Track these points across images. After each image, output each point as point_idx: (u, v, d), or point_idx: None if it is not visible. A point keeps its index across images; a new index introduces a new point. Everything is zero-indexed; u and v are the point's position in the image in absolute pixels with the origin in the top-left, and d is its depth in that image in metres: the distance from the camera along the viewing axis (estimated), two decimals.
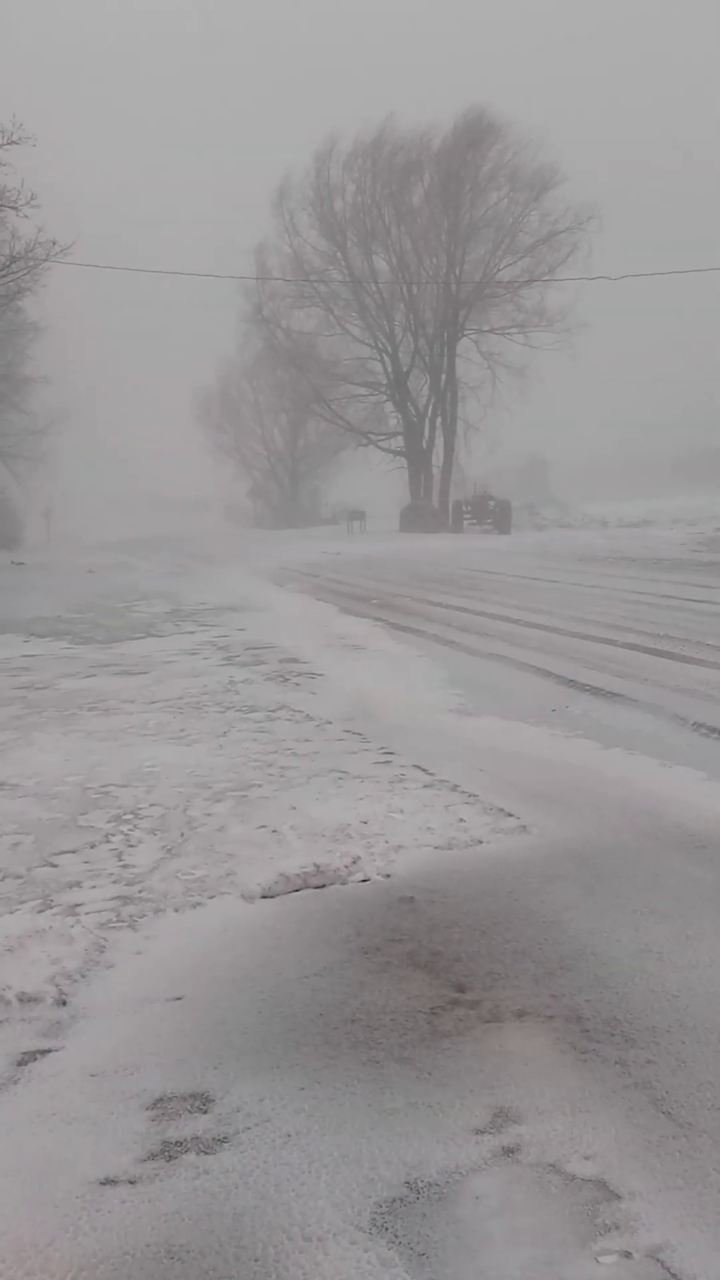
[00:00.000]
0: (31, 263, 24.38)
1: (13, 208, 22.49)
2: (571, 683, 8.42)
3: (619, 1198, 2.34)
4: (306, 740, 6.65)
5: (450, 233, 44.15)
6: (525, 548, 29.09)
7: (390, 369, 46.94)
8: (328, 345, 47.88)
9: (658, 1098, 2.71)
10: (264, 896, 4.14)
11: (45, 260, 24.04)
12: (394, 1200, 2.35)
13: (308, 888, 4.22)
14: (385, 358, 46.97)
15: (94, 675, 9.41)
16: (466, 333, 45.46)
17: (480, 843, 4.67)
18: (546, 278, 42.90)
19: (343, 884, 4.26)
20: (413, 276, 44.98)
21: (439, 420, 46.45)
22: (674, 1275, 2.11)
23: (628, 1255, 2.17)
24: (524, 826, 4.87)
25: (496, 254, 44.20)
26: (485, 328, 45.21)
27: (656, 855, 4.48)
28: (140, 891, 4.20)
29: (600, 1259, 2.15)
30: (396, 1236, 2.24)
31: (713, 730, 6.68)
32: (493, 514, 41.48)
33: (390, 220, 44.75)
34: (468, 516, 42.19)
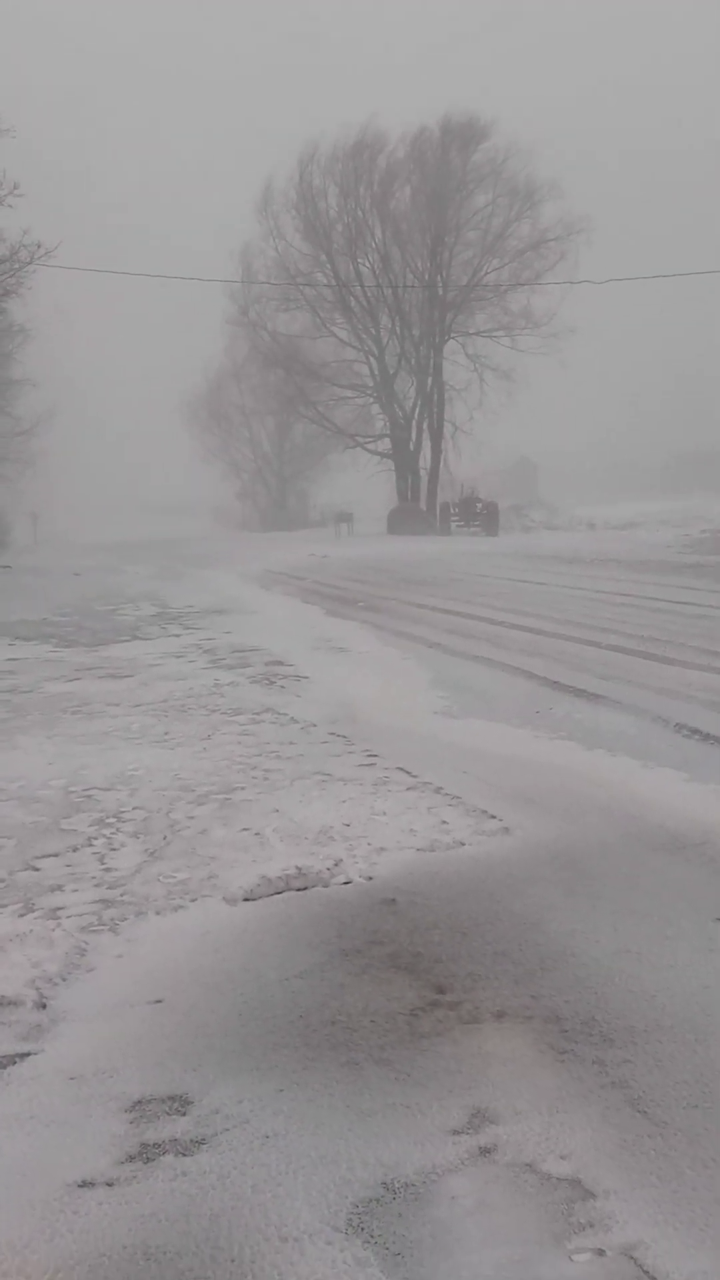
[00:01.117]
0: (15, 265, 24.33)
1: None
2: (555, 684, 8.45)
3: (594, 1196, 2.36)
4: (291, 743, 6.66)
5: (435, 235, 44.23)
6: (512, 550, 29.15)
7: (377, 371, 46.98)
8: (314, 348, 47.88)
9: (634, 1097, 2.73)
10: (246, 899, 4.14)
11: (30, 264, 24.00)
12: (370, 1200, 2.36)
13: (290, 890, 4.23)
14: (371, 360, 47.01)
15: (79, 679, 9.40)
16: (453, 335, 45.55)
17: (463, 844, 4.69)
18: (532, 282, 43.03)
19: (325, 886, 4.27)
20: (398, 279, 45.03)
21: (426, 423, 46.52)
22: (647, 1272, 2.13)
23: (601, 1253, 2.18)
24: (506, 828, 4.89)
25: (483, 258, 44.32)
26: (471, 330, 45.32)
27: (637, 856, 4.51)
28: (122, 895, 4.20)
29: (574, 1257, 2.17)
30: (372, 1236, 2.25)
31: (695, 732, 6.71)
32: (480, 516, 41.53)
33: (375, 222, 44.79)
34: (455, 518, 42.23)
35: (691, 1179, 2.41)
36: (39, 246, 23.69)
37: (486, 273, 44.39)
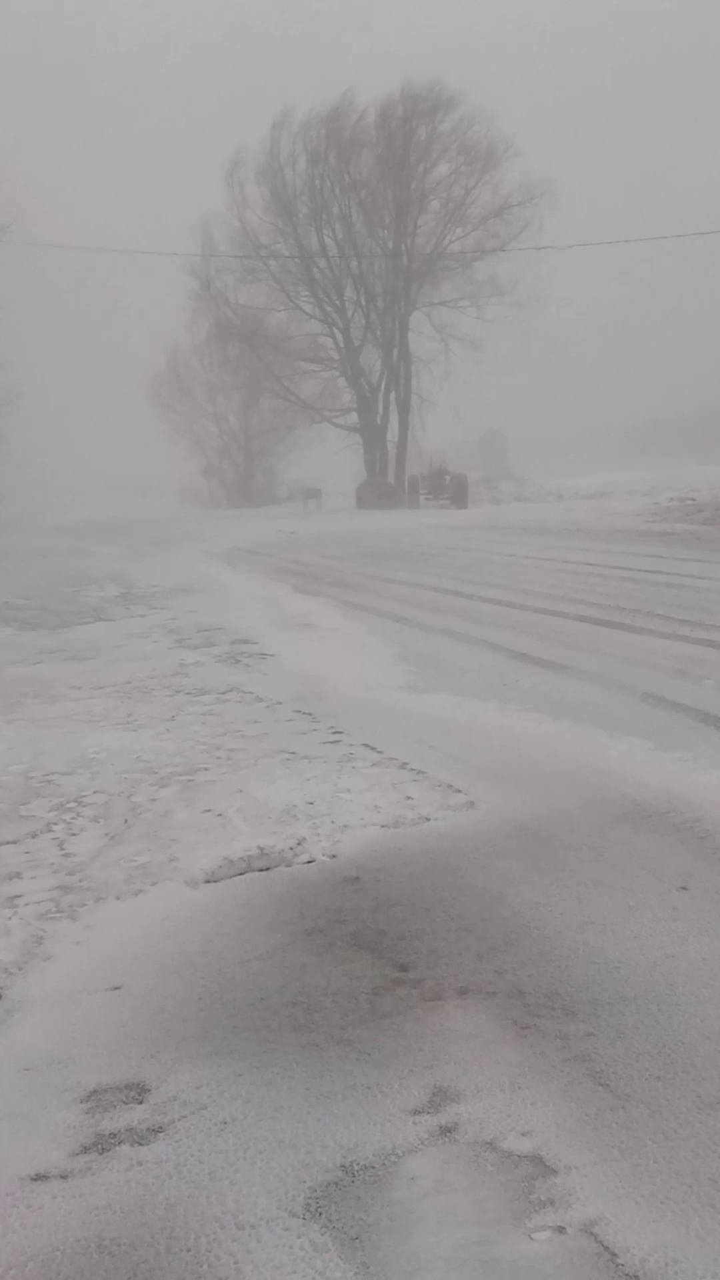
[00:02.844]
0: None
1: None
2: (522, 656, 8.43)
3: (555, 1173, 2.34)
4: (256, 722, 6.60)
5: (399, 204, 43.86)
6: (481, 522, 29.12)
7: (342, 344, 46.64)
8: (278, 321, 47.48)
9: (596, 1070, 2.71)
10: (207, 881, 4.09)
11: None
12: (329, 1184, 2.33)
13: (252, 871, 4.18)
14: (336, 333, 46.66)
15: (40, 662, 9.28)
16: (418, 306, 45.26)
17: (427, 820, 4.66)
18: (496, 250, 42.79)
19: (288, 866, 4.23)
20: (362, 249, 44.65)
21: (393, 395, 46.28)
22: (607, 1248, 2.11)
23: (562, 1230, 2.16)
24: (472, 803, 4.86)
25: (447, 226, 44.01)
26: (437, 301, 45.05)
27: (602, 827, 4.49)
28: (81, 881, 4.14)
29: (534, 1235, 2.15)
30: (330, 1221, 2.21)
31: (661, 700, 6.71)
32: (449, 489, 41.43)
33: (341, 191, 44.33)
34: (424, 492, 42.11)
35: (653, 1152, 2.39)
36: None
37: (451, 241, 44.13)
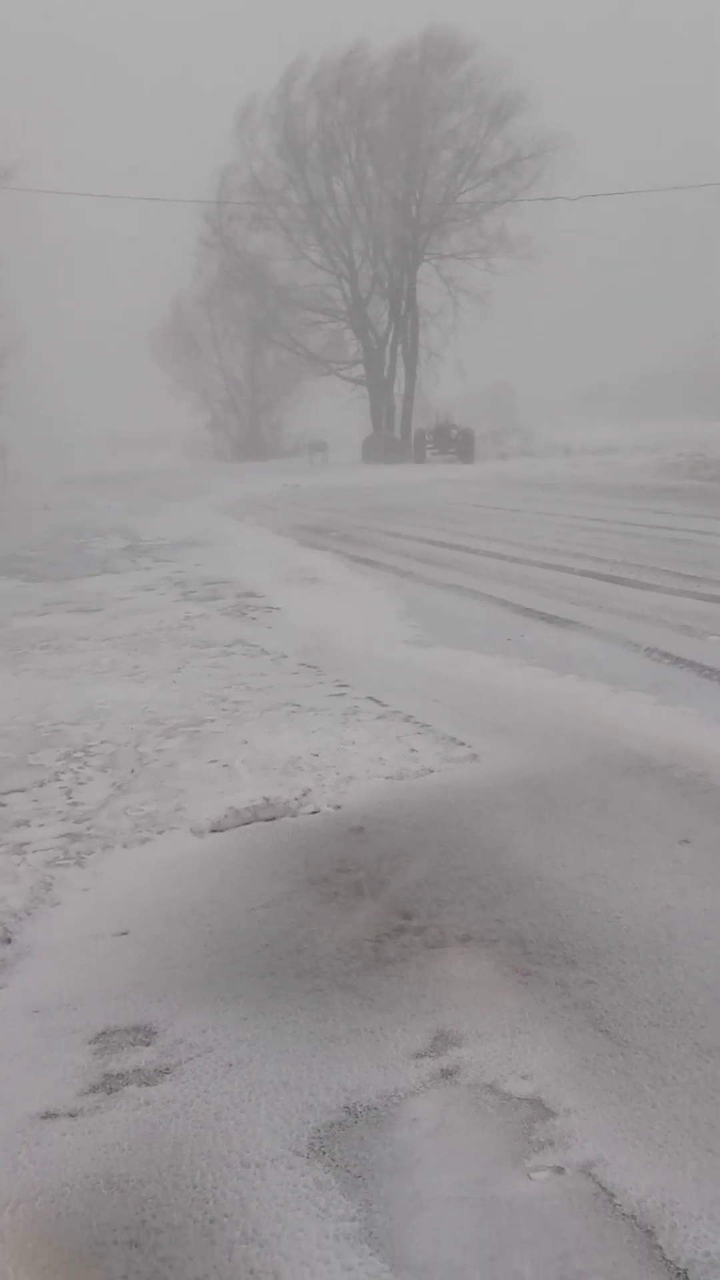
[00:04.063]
0: None
1: None
2: (527, 611, 8.43)
3: (554, 1115, 2.38)
4: (261, 674, 6.62)
5: (410, 154, 43.14)
6: (487, 477, 28.96)
7: (350, 295, 46.11)
8: (285, 271, 46.89)
9: (596, 1017, 2.75)
10: (213, 831, 4.13)
11: None
12: (332, 1125, 2.37)
13: (257, 821, 4.22)
14: (344, 283, 46.11)
15: (47, 613, 9.30)
16: (426, 258, 44.67)
17: (431, 772, 4.69)
18: (507, 200, 42.13)
19: (293, 816, 4.26)
20: (372, 199, 44.00)
21: (400, 348, 45.81)
22: (605, 1189, 2.15)
23: (560, 1170, 2.20)
24: (475, 755, 4.89)
25: (458, 177, 43.31)
26: (446, 253, 44.45)
27: (605, 780, 4.51)
28: (89, 829, 4.18)
29: (533, 1175, 2.19)
30: (333, 1160, 2.26)
31: (665, 655, 6.71)
32: (455, 443, 41.11)
33: (352, 139, 43.62)
34: (430, 446, 41.79)
35: (651, 1096, 2.43)
36: None
37: (462, 192, 43.44)
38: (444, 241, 44.42)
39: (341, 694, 6.05)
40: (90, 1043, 2.75)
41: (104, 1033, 2.79)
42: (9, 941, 3.29)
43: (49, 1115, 2.46)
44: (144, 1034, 2.77)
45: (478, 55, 41.87)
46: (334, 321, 47.49)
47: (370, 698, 5.91)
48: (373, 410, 46.26)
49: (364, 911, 3.40)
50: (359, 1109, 2.42)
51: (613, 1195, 2.13)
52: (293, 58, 43.55)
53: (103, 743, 5.29)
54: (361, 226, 44.75)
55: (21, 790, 4.64)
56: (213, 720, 5.59)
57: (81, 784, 4.70)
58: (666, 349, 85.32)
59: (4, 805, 4.47)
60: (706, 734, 5.05)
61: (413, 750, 4.95)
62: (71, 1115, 2.46)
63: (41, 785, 4.70)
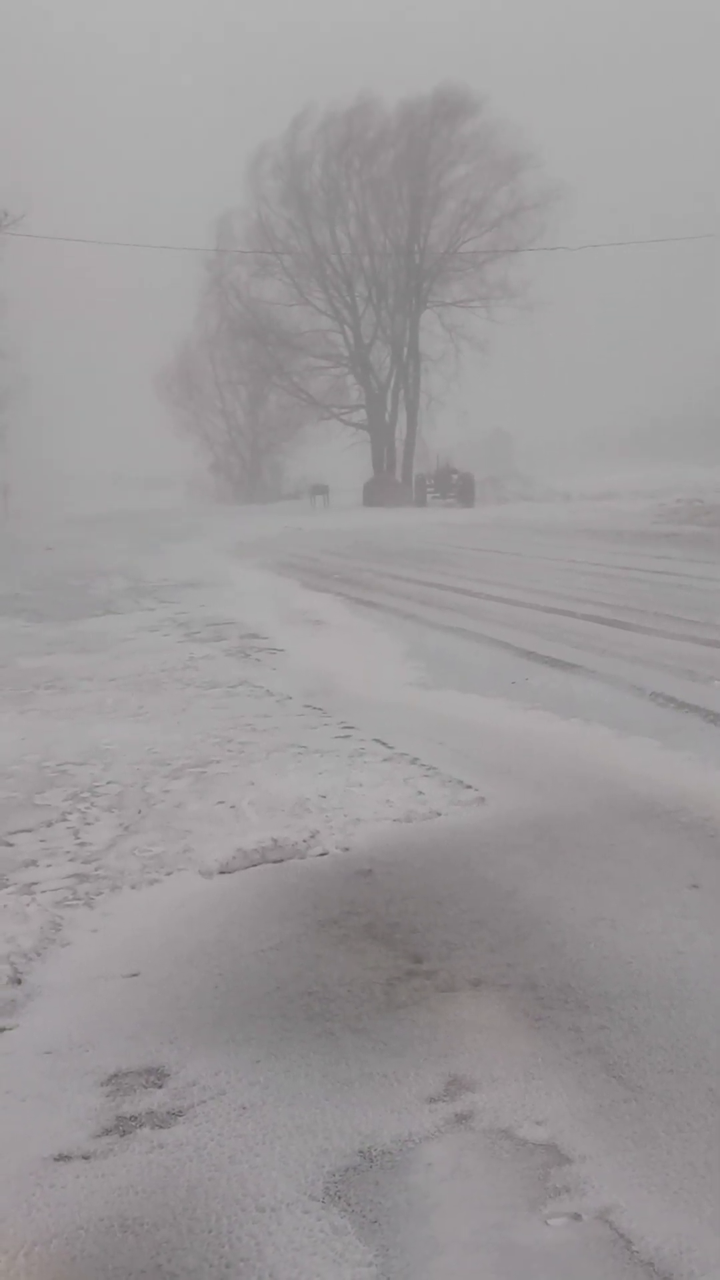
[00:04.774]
0: None
1: None
2: (531, 654, 8.46)
3: (570, 1161, 2.37)
4: (266, 716, 6.63)
5: (415, 203, 43.88)
6: (487, 521, 29.13)
7: (352, 341, 46.65)
8: (288, 316, 47.48)
9: (610, 1062, 2.75)
10: (221, 872, 4.13)
11: None
12: (347, 1169, 2.37)
13: (265, 862, 4.22)
14: (347, 330, 46.67)
15: (51, 653, 9.32)
16: (429, 305, 45.27)
17: (438, 815, 4.70)
18: (510, 251, 42.75)
19: (301, 858, 4.26)
20: (375, 247, 44.69)
21: (401, 393, 46.29)
22: (622, 1235, 2.14)
23: (577, 1217, 2.20)
24: (482, 798, 4.90)
25: (461, 226, 44.03)
26: (448, 301, 45.06)
27: (612, 824, 4.52)
28: (97, 869, 4.18)
29: (550, 1221, 2.18)
30: (349, 1205, 2.25)
31: (669, 700, 6.74)
32: (456, 487, 41.41)
33: (356, 188, 44.42)
34: (431, 490, 42.10)
35: (666, 1143, 2.42)
36: (5, 214, 23.28)
37: (465, 241, 44.12)
38: (446, 289, 45.09)
39: (347, 735, 6.06)
40: (102, 1084, 2.74)
41: (116, 1074, 2.78)
42: (19, 982, 3.29)
43: (62, 1157, 2.45)
44: (156, 1076, 2.76)
45: (486, 111, 42.79)
46: (336, 367, 48.03)
47: (376, 739, 5.93)
48: (374, 454, 46.65)
49: (374, 954, 3.40)
50: (374, 1153, 2.42)
51: (630, 1242, 2.12)
52: (299, 108, 44.47)
53: (109, 783, 5.29)
54: (365, 273, 45.41)
55: (29, 830, 4.65)
56: (219, 761, 5.60)
57: (89, 824, 4.71)
58: (665, 395, 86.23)
59: (12, 845, 4.47)
60: (712, 779, 5.06)
61: (420, 793, 4.96)
62: (85, 1157, 2.45)
63: (49, 825, 4.71)
